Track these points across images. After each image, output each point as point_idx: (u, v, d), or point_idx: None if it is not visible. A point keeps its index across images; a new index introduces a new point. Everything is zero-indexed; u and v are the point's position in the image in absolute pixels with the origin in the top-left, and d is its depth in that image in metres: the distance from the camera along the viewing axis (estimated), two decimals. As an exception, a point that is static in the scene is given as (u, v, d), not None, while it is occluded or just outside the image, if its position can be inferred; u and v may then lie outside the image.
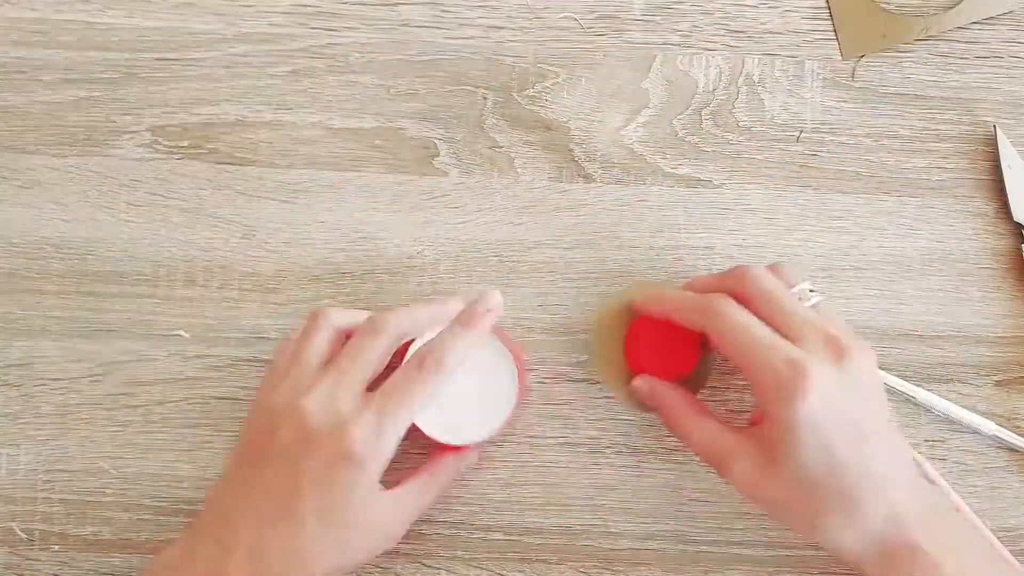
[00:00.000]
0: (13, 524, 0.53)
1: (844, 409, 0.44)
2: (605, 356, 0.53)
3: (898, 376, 0.55)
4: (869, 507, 0.44)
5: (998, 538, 0.55)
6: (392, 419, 0.45)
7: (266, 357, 0.54)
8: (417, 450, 0.52)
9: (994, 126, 0.55)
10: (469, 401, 0.50)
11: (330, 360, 0.47)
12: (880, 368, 0.55)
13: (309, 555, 0.44)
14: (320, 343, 0.48)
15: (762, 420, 0.46)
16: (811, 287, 0.48)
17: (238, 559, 0.44)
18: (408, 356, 0.47)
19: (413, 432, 0.47)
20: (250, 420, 0.49)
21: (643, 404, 0.51)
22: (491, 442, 0.54)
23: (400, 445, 0.46)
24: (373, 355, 0.47)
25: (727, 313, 0.46)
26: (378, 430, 0.44)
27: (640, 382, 0.51)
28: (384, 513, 0.47)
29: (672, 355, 0.51)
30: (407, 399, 0.45)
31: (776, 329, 0.45)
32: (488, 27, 0.55)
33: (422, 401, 0.45)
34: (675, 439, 0.55)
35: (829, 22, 0.56)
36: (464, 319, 0.47)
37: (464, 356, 0.46)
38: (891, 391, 0.54)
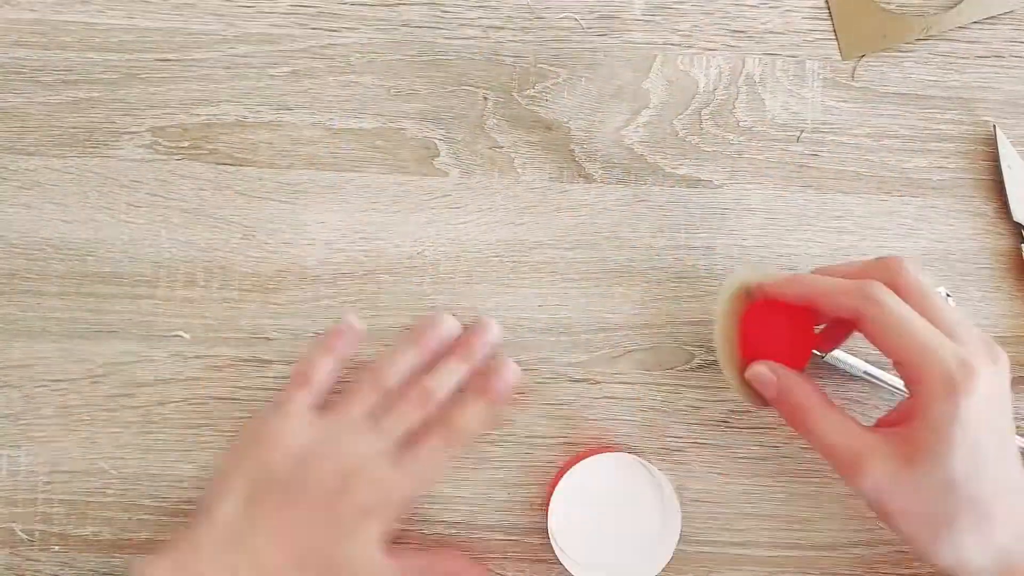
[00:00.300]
0: (14, 525, 0.53)
1: (996, 417, 0.42)
2: (722, 344, 0.48)
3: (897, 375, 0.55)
4: (1002, 520, 0.42)
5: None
6: (423, 483, 0.49)
7: (266, 357, 0.54)
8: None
9: (994, 126, 0.55)
10: (620, 541, 0.51)
11: (371, 415, 0.50)
12: (879, 367, 0.55)
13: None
14: (371, 400, 0.51)
15: (907, 419, 0.43)
16: (947, 291, 0.47)
17: None
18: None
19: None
20: (272, 456, 0.49)
21: (761, 395, 0.47)
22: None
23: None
24: (412, 421, 0.50)
25: (888, 302, 0.43)
26: (411, 493, 0.48)
27: (762, 367, 0.47)
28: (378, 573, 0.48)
29: (791, 345, 0.47)
30: (437, 464, 0.49)
31: (934, 325, 0.43)
32: (488, 27, 0.55)
33: (448, 464, 0.51)
34: (675, 440, 0.55)
35: (829, 22, 0.56)
36: (486, 390, 0.51)
37: (485, 423, 0.51)
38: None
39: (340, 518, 0.46)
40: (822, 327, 0.51)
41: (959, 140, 0.56)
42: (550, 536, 0.50)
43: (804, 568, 0.54)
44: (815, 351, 0.52)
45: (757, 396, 0.48)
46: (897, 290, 0.44)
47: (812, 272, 0.48)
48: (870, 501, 0.44)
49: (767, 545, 0.54)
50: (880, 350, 0.44)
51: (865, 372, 0.54)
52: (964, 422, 0.41)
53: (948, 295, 0.46)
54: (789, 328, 0.47)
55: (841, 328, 0.50)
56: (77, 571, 0.53)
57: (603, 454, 0.51)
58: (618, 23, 0.55)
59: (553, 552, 0.51)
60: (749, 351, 0.48)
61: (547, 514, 0.50)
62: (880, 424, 0.48)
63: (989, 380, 0.42)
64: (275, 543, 0.45)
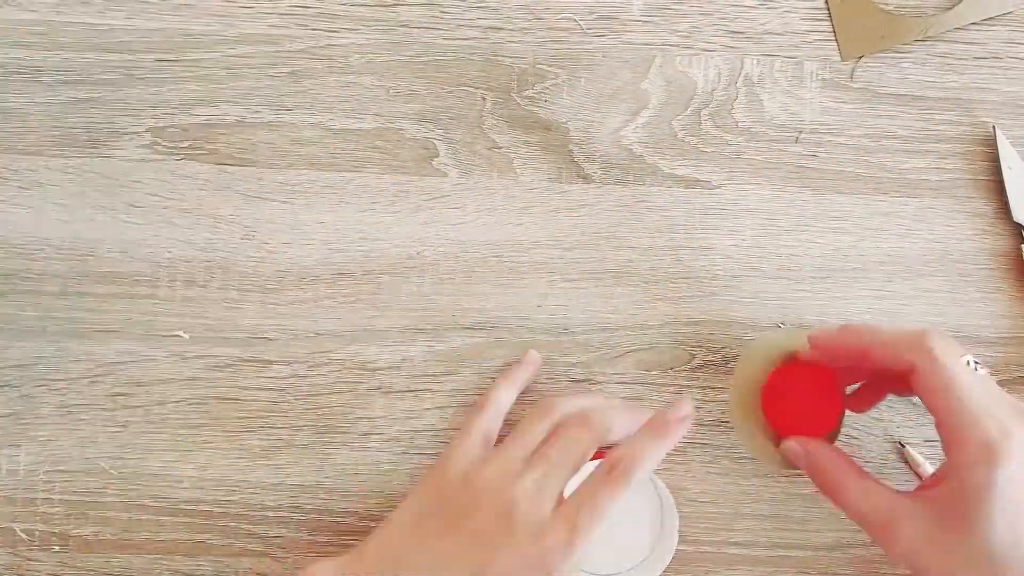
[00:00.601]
0: (13, 524, 0.53)
1: None
2: (744, 412, 0.49)
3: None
4: None
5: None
6: (583, 537, 0.44)
7: (266, 357, 0.54)
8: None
9: (993, 127, 0.56)
10: (618, 548, 0.51)
11: (539, 448, 0.47)
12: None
13: None
14: (541, 433, 0.48)
15: (943, 482, 0.43)
16: (975, 360, 0.46)
17: None
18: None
19: None
20: (444, 480, 0.48)
21: (790, 464, 0.48)
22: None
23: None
24: (581, 452, 0.46)
25: (946, 358, 0.43)
26: (569, 547, 0.43)
27: (793, 444, 0.47)
28: None
29: (818, 409, 0.47)
30: (597, 514, 0.44)
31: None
32: (487, 28, 0.55)
33: (610, 513, 0.44)
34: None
35: (828, 23, 0.56)
36: (655, 426, 0.46)
37: (652, 467, 0.45)
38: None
39: (495, 558, 0.44)
40: (855, 387, 0.51)
41: (957, 141, 0.56)
42: None
43: (803, 568, 0.54)
44: (851, 410, 0.52)
45: (787, 463, 0.48)
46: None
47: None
48: (908, 565, 0.43)
49: (766, 545, 0.54)
50: (926, 405, 0.44)
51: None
52: (1005, 487, 0.41)
53: (977, 363, 0.46)
54: (815, 391, 0.47)
55: (880, 387, 0.50)
56: (77, 571, 0.54)
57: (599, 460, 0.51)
58: (617, 24, 0.56)
59: None
60: (774, 417, 0.48)
61: None
62: (924, 485, 0.48)
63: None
64: (432, 566, 0.45)
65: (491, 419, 0.51)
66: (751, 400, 0.49)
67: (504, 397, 0.52)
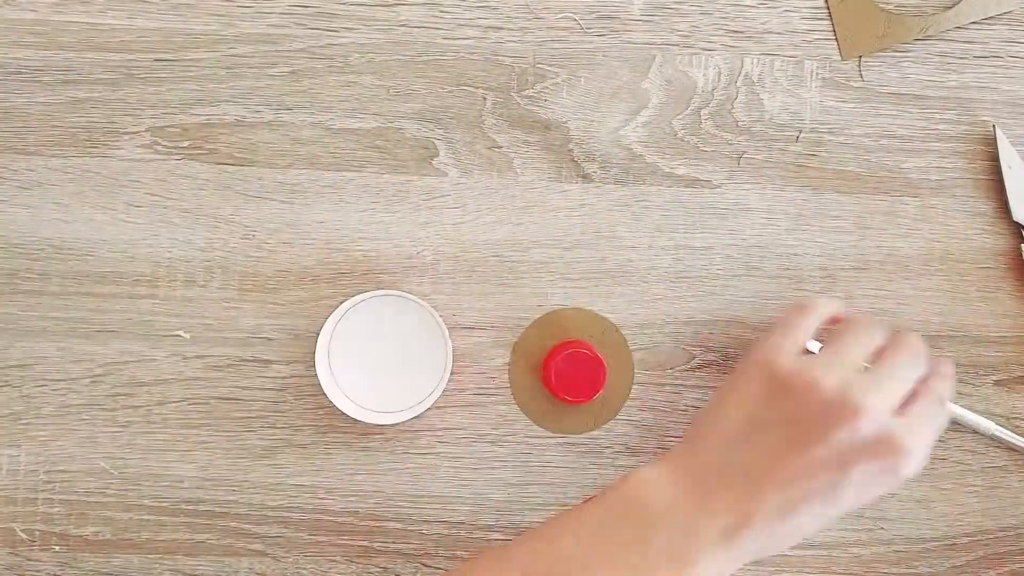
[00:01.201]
0: (14, 524, 0.53)
1: None
2: (524, 379, 0.55)
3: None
4: None
5: (997, 538, 0.55)
6: (926, 452, 0.45)
7: (266, 357, 0.54)
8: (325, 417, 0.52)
9: (993, 126, 0.55)
10: (396, 372, 0.53)
11: (881, 360, 0.47)
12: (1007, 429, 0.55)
13: (807, 535, 0.45)
14: (870, 345, 0.48)
15: None
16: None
17: (761, 520, 0.44)
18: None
19: None
20: (777, 382, 0.46)
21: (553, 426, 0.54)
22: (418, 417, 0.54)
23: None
24: (918, 376, 0.48)
25: None
26: (918, 458, 0.45)
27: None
28: None
29: (589, 378, 0.52)
30: (932, 434, 0.46)
31: None
32: (487, 27, 0.55)
33: (910, 377, 0.47)
34: (675, 440, 0.55)
35: (828, 22, 0.56)
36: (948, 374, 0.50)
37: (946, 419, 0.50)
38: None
39: (842, 459, 0.44)
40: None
41: (957, 140, 0.56)
42: (322, 383, 0.52)
43: (802, 568, 0.54)
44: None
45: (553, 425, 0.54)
46: None
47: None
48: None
49: (766, 545, 0.54)
50: None
51: (992, 434, 0.55)
52: None
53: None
54: (586, 363, 0.52)
55: None
56: (77, 571, 0.54)
57: (370, 295, 0.53)
58: (617, 23, 0.55)
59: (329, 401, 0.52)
60: (555, 383, 0.53)
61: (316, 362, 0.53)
62: None
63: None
64: (790, 481, 0.44)
65: (811, 324, 0.49)
66: (533, 368, 0.55)
67: (828, 309, 0.50)
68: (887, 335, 0.49)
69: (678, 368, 0.55)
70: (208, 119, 0.54)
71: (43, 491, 0.54)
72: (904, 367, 0.47)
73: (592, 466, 0.55)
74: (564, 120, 0.55)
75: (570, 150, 0.55)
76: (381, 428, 0.54)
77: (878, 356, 0.48)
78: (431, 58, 0.55)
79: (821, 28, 0.56)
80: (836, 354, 0.47)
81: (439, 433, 0.55)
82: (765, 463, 0.44)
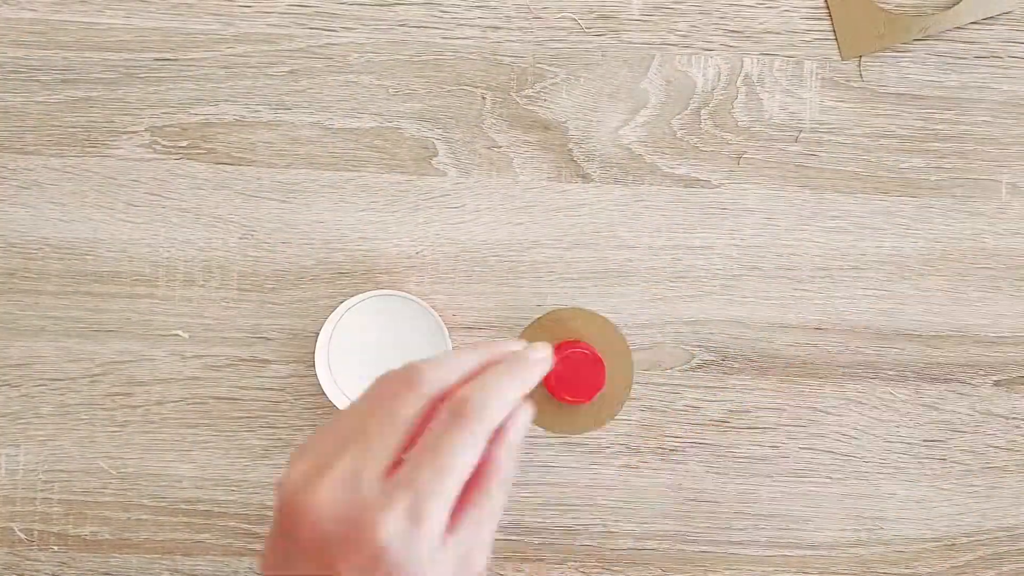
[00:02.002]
0: (13, 524, 0.53)
1: None
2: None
3: (896, 376, 0.55)
4: None
5: (997, 538, 0.55)
6: (432, 495, 0.33)
7: (265, 357, 0.54)
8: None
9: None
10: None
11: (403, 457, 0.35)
12: (877, 368, 0.55)
13: None
14: (404, 423, 0.35)
15: None
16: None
17: None
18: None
19: None
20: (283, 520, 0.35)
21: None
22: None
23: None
24: (404, 416, 0.35)
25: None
26: (415, 515, 0.33)
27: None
28: None
29: (589, 379, 0.51)
30: (447, 462, 0.33)
31: None
32: (486, 27, 0.55)
33: (465, 459, 0.34)
34: (674, 440, 0.55)
35: (828, 22, 0.56)
36: (511, 361, 0.38)
37: (510, 405, 0.36)
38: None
39: None
40: None
41: (957, 140, 0.56)
42: (322, 383, 0.52)
43: (802, 568, 0.54)
44: None
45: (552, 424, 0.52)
46: None
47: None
48: None
49: (765, 544, 0.54)
50: None
51: None
52: None
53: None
54: (587, 365, 0.51)
55: None
56: (76, 571, 0.54)
57: (370, 295, 0.53)
58: (616, 23, 0.55)
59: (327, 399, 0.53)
60: (555, 383, 0.51)
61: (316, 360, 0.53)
62: None
63: None
64: None
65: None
66: None
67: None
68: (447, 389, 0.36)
69: (678, 368, 0.55)
70: (207, 119, 0.54)
71: (42, 491, 0.54)
72: (454, 450, 0.34)
73: (592, 466, 0.55)
74: (563, 120, 0.55)
75: (570, 150, 0.55)
76: (380, 428, 0.54)
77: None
78: (430, 58, 0.55)
79: (821, 28, 0.56)
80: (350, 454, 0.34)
81: (438, 433, 0.54)
82: None
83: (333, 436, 0.35)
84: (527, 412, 0.38)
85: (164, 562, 0.54)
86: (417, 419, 0.35)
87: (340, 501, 0.33)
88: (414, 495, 0.33)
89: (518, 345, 0.40)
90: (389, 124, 0.55)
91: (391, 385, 0.36)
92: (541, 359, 0.39)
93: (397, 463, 0.34)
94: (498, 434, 0.36)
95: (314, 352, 0.53)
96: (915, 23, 0.56)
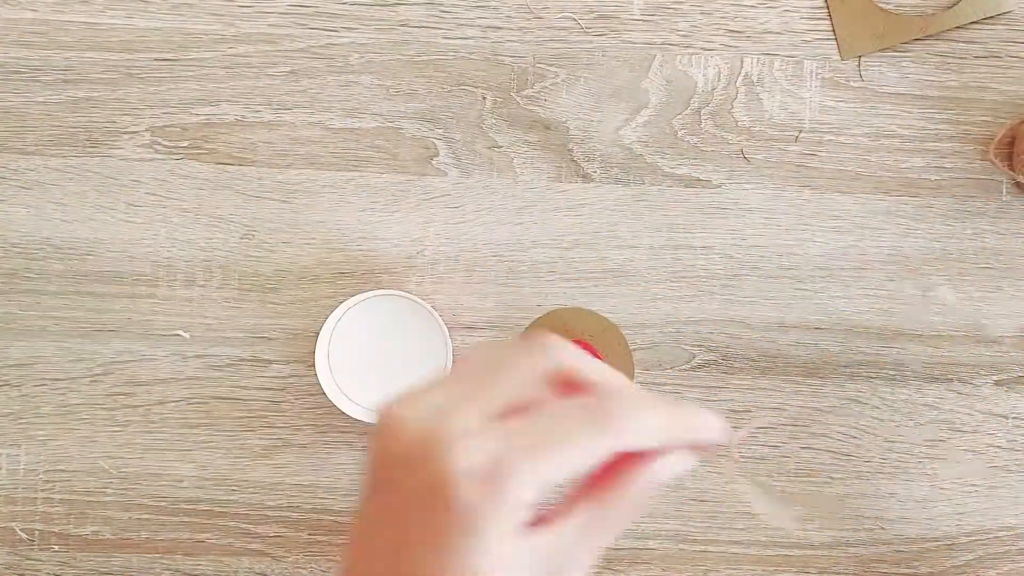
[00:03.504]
0: (13, 524, 0.53)
1: None
2: None
3: (896, 376, 0.55)
4: None
5: (998, 538, 0.55)
6: (525, 460, 0.28)
7: (266, 357, 0.54)
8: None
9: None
10: (396, 372, 0.53)
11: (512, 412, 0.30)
12: (877, 368, 0.55)
13: None
14: (520, 384, 0.31)
15: None
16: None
17: None
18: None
19: None
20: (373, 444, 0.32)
21: None
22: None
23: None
24: (529, 373, 0.31)
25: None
26: (497, 470, 0.28)
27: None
28: None
29: None
30: (558, 441, 0.29)
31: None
32: (487, 27, 0.55)
33: (577, 452, 0.29)
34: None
35: (828, 22, 0.56)
36: (682, 406, 0.33)
37: (653, 437, 0.31)
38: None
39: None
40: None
41: (957, 140, 0.56)
42: (322, 383, 0.52)
43: (802, 567, 0.54)
44: None
45: None
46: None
47: None
48: None
49: (766, 544, 0.54)
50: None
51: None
52: None
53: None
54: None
55: None
56: (77, 570, 0.54)
57: (370, 295, 0.53)
58: (617, 23, 0.55)
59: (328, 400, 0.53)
60: None
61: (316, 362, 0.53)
62: None
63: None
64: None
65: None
66: None
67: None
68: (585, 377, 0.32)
69: (678, 368, 0.55)
70: (208, 119, 0.54)
71: (42, 491, 0.54)
72: (571, 436, 0.29)
73: (592, 466, 0.55)
74: (564, 120, 0.55)
75: (570, 150, 0.55)
76: (381, 428, 0.54)
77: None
78: (431, 58, 0.55)
79: (821, 28, 0.56)
80: (460, 382, 0.31)
81: (439, 433, 0.54)
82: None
83: (450, 374, 0.32)
84: (688, 461, 0.33)
85: (165, 562, 0.54)
86: (542, 388, 0.31)
87: (427, 420, 0.29)
88: (506, 449, 0.28)
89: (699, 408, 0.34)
90: (390, 124, 0.55)
91: (527, 346, 0.31)
92: (716, 427, 0.34)
93: (504, 415, 0.30)
94: (646, 455, 0.31)
95: (314, 352, 0.53)
96: (915, 23, 0.56)
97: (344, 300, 0.53)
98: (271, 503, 0.54)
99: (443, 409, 0.29)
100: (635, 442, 0.30)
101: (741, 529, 0.54)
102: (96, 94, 0.54)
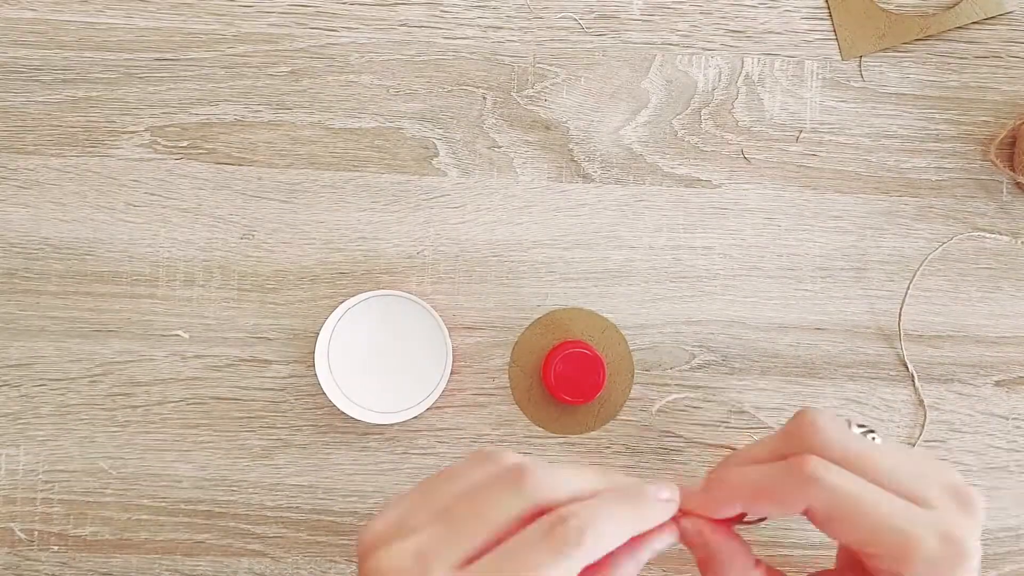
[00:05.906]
0: (13, 524, 0.53)
1: None
2: (523, 379, 0.55)
3: (896, 376, 0.55)
4: None
5: (997, 538, 0.55)
6: None
7: (265, 357, 0.54)
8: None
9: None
10: (396, 372, 0.53)
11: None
12: (877, 368, 0.55)
13: None
14: (495, 521, 0.34)
15: None
16: (861, 424, 0.41)
17: None
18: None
19: None
20: None
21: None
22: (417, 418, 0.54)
23: None
24: (497, 514, 0.34)
25: (834, 481, 0.36)
26: None
27: (689, 525, 0.40)
28: None
29: (588, 381, 0.52)
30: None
31: (884, 487, 0.37)
32: (487, 27, 0.55)
33: None
34: (675, 440, 0.55)
35: (828, 22, 0.56)
36: (630, 493, 0.36)
37: (613, 540, 0.34)
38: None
39: None
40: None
41: (957, 140, 0.56)
42: (322, 383, 0.52)
43: (802, 568, 0.54)
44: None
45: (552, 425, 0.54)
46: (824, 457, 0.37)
47: (731, 460, 0.42)
48: None
49: (765, 544, 0.54)
50: (838, 539, 0.38)
51: None
52: None
53: (866, 428, 0.41)
54: (586, 366, 0.52)
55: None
56: (76, 571, 0.53)
57: (370, 295, 0.53)
58: (617, 23, 0.55)
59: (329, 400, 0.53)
60: (553, 383, 0.52)
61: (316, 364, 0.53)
62: None
63: (976, 548, 0.36)
64: None
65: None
66: (532, 368, 0.54)
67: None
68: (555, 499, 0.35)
69: (678, 368, 0.55)
70: (207, 119, 0.54)
71: (42, 491, 0.54)
72: (538, 569, 0.32)
73: (593, 466, 0.54)
74: (564, 120, 0.55)
75: (570, 150, 0.55)
76: (381, 428, 0.54)
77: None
78: (431, 58, 0.55)
79: (821, 28, 0.56)
80: (417, 519, 0.34)
81: (439, 433, 0.54)
82: None
83: (426, 502, 0.35)
84: (671, 537, 0.38)
85: (164, 562, 0.54)
86: (511, 523, 0.34)
87: (405, 573, 0.33)
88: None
89: (644, 485, 0.37)
90: (390, 124, 0.55)
91: (496, 475, 0.35)
92: (665, 500, 0.37)
93: (475, 557, 0.33)
94: (634, 542, 0.36)
95: (314, 352, 0.53)
96: (915, 23, 0.56)
97: (344, 300, 0.53)
98: (270, 503, 0.54)
99: (423, 554, 0.32)
100: (603, 551, 0.33)
101: (740, 529, 0.54)
102: (95, 94, 0.54)
